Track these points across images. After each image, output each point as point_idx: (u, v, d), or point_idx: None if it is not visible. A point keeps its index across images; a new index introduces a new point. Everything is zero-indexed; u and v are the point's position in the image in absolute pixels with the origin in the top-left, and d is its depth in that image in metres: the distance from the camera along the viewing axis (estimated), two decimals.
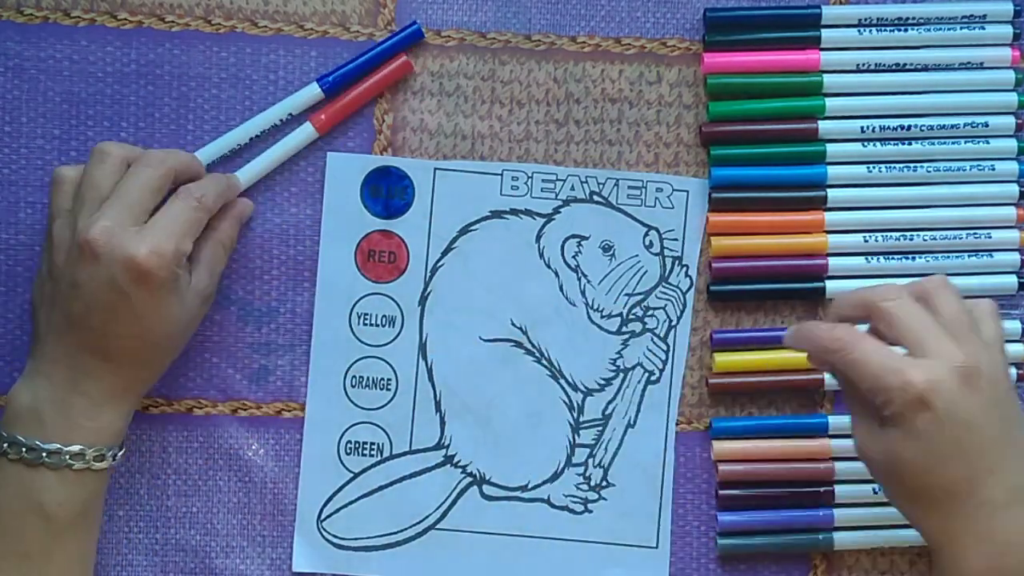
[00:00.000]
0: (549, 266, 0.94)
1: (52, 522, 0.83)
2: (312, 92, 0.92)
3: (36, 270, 0.88)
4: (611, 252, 0.95)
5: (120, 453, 0.86)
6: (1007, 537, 0.79)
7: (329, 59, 0.93)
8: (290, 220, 0.93)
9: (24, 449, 0.83)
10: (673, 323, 0.95)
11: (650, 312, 0.95)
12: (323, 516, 0.94)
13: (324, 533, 0.94)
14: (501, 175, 0.94)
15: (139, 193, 0.84)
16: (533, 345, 0.95)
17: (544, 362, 0.95)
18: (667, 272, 0.95)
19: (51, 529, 0.83)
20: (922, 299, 0.83)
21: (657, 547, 0.95)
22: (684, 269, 0.95)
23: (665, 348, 0.95)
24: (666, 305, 0.95)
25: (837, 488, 0.95)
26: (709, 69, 0.94)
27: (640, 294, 0.95)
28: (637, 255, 0.95)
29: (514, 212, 0.94)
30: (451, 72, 0.94)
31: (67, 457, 0.83)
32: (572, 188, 0.95)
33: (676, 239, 0.95)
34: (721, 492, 0.95)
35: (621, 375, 0.95)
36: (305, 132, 0.93)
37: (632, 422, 0.95)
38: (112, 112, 0.92)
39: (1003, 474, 0.80)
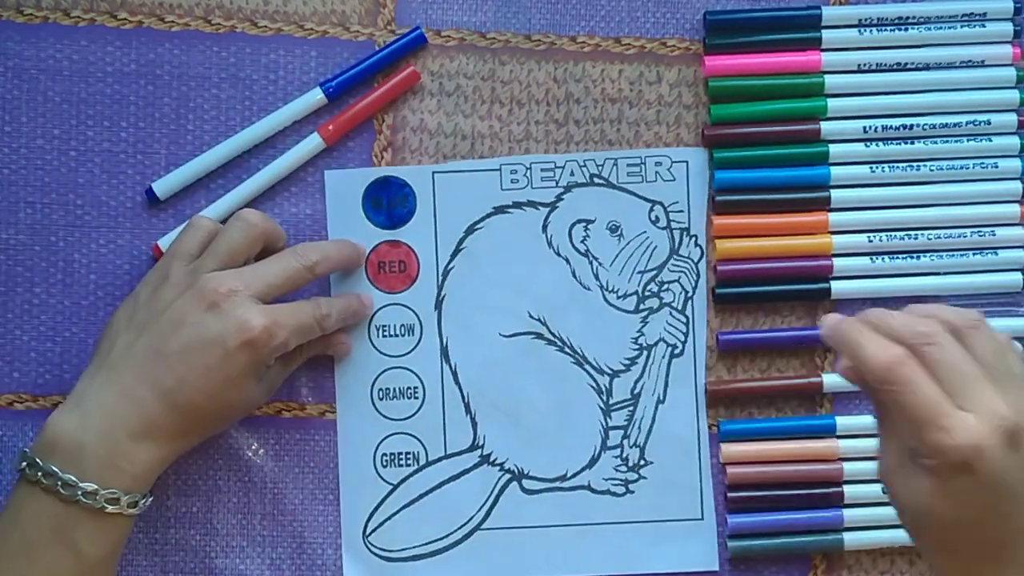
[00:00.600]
0: (559, 254, 0.94)
1: (82, 561, 0.82)
2: (315, 97, 0.93)
3: (129, 296, 0.88)
4: (619, 232, 0.94)
5: (150, 500, 0.85)
6: None
7: (329, 59, 0.93)
8: (290, 220, 0.93)
9: (59, 483, 0.81)
10: (689, 294, 0.95)
11: (665, 286, 0.95)
12: (368, 531, 0.94)
13: (371, 547, 0.94)
14: (499, 170, 0.94)
15: (278, 278, 0.86)
16: (554, 335, 0.94)
17: (567, 350, 0.94)
18: (677, 245, 0.95)
19: (81, 568, 0.82)
20: (956, 334, 0.74)
21: (703, 519, 0.94)
22: (693, 239, 0.95)
23: (684, 320, 0.95)
24: (680, 277, 0.95)
25: (846, 489, 0.94)
26: (710, 72, 0.94)
27: (653, 270, 0.95)
28: (645, 232, 0.95)
29: (517, 205, 0.94)
30: (451, 72, 0.94)
31: (102, 500, 0.82)
32: (572, 173, 0.94)
33: (681, 210, 0.95)
34: (730, 494, 0.94)
35: (645, 353, 0.95)
36: (313, 143, 0.93)
37: (662, 398, 0.95)
38: (112, 112, 0.92)
39: None
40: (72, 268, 0.92)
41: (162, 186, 0.92)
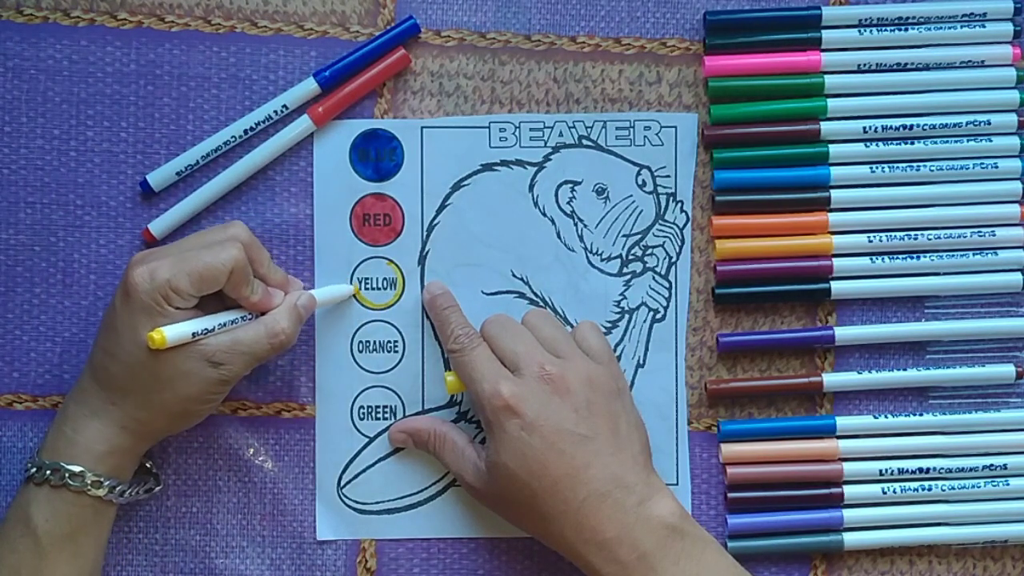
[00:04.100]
0: (545, 214, 0.95)
1: (38, 539, 0.83)
2: (309, 87, 0.93)
3: None
4: (605, 195, 0.95)
5: (127, 491, 0.86)
6: (606, 527, 0.83)
7: (329, 59, 0.93)
8: (290, 220, 0.93)
9: (36, 469, 0.84)
10: (673, 260, 0.95)
11: (649, 251, 0.95)
12: (343, 483, 0.94)
13: (345, 499, 0.94)
14: (488, 127, 0.95)
15: (204, 267, 0.83)
16: (536, 294, 0.95)
17: (549, 310, 0.94)
18: (663, 210, 0.95)
19: (38, 547, 0.83)
20: (528, 326, 0.90)
21: (677, 483, 0.95)
22: (679, 205, 0.95)
23: (667, 285, 0.95)
24: (664, 242, 0.95)
25: (846, 489, 0.94)
26: (710, 72, 0.94)
27: (637, 234, 0.95)
28: (631, 195, 0.95)
29: (504, 163, 0.95)
30: (451, 72, 0.94)
31: (67, 476, 0.83)
32: (560, 134, 0.95)
33: (668, 175, 0.95)
34: (730, 495, 0.95)
35: (626, 316, 0.95)
36: (303, 124, 0.93)
37: (641, 362, 0.95)
38: (112, 112, 0.92)
39: (599, 467, 0.84)
40: (72, 268, 0.92)
41: (156, 178, 0.92)
